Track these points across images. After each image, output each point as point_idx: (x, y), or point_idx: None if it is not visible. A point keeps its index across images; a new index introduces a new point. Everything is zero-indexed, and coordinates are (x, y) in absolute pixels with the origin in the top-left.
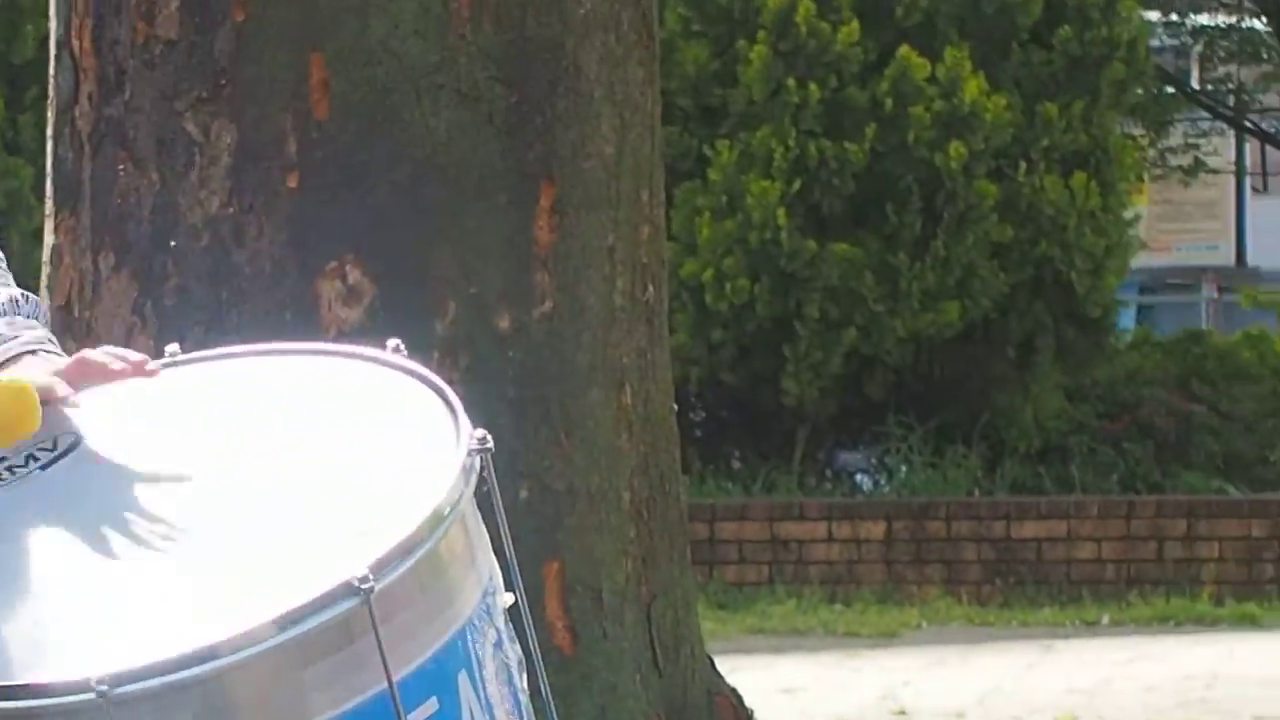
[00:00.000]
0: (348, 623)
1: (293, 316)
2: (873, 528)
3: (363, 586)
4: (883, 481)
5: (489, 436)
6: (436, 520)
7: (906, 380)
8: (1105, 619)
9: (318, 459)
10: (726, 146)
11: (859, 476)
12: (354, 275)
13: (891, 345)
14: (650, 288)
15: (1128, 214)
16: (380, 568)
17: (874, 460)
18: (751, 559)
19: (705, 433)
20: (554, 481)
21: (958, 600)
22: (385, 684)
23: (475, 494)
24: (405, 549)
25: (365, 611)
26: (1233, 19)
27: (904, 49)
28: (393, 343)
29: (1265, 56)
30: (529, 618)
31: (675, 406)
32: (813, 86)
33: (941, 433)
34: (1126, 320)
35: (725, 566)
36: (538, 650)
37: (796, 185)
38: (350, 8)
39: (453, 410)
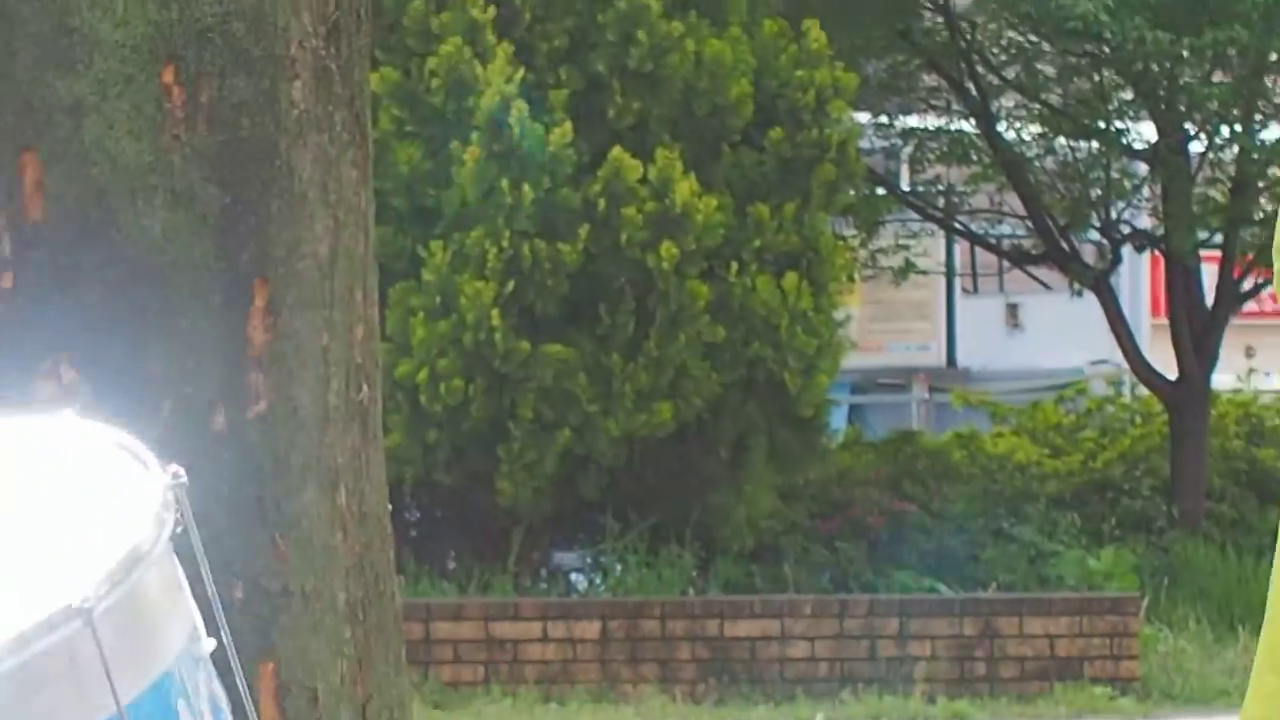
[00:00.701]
0: (70, 646)
1: None
2: (588, 627)
3: (85, 607)
4: (598, 581)
5: (183, 471)
6: (137, 555)
7: (620, 480)
8: (819, 717)
9: (6, 512)
10: (440, 247)
11: (574, 576)
12: (68, 375)
13: (605, 445)
14: (365, 388)
15: (839, 314)
16: (97, 591)
17: (589, 559)
18: (467, 659)
19: (420, 533)
20: (269, 582)
21: (672, 699)
22: (111, 711)
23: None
24: (117, 576)
25: (89, 634)
26: (942, 121)
27: (616, 150)
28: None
29: (974, 158)
30: (251, 709)
31: (390, 506)
32: (526, 187)
33: (656, 532)
34: (838, 420)
35: (441, 666)
36: None
37: (510, 286)
38: (64, 107)
39: (142, 460)
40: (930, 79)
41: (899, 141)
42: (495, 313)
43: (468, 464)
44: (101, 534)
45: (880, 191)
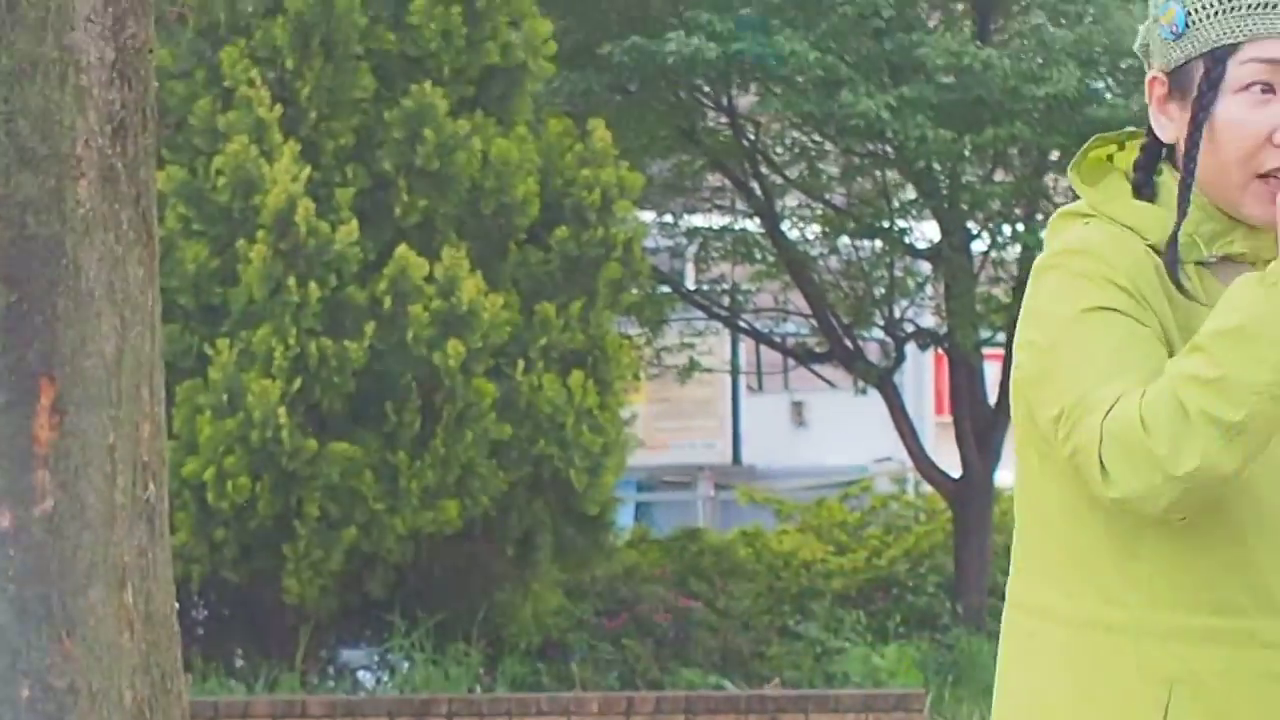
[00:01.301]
0: None
1: None
2: None
3: None
4: (385, 678)
5: None
6: None
7: (408, 577)
8: None
9: None
10: (227, 345)
11: (361, 673)
12: None
13: (392, 543)
14: (151, 486)
15: (625, 412)
16: None
17: (376, 657)
18: None
19: (208, 631)
20: (55, 680)
21: None
22: None
23: None
24: None
25: None
26: (727, 220)
27: (403, 248)
28: None
29: (759, 257)
30: None
31: (177, 605)
32: (313, 285)
33: (443, 629)
34: (625, 517)
35: None
36: None
37: (297, 384)
38: None
39: None
40: (715, 178)
41: (684, 240)
42: (282, 410)
43: (255, 562)
44: None
45: (665, 290)
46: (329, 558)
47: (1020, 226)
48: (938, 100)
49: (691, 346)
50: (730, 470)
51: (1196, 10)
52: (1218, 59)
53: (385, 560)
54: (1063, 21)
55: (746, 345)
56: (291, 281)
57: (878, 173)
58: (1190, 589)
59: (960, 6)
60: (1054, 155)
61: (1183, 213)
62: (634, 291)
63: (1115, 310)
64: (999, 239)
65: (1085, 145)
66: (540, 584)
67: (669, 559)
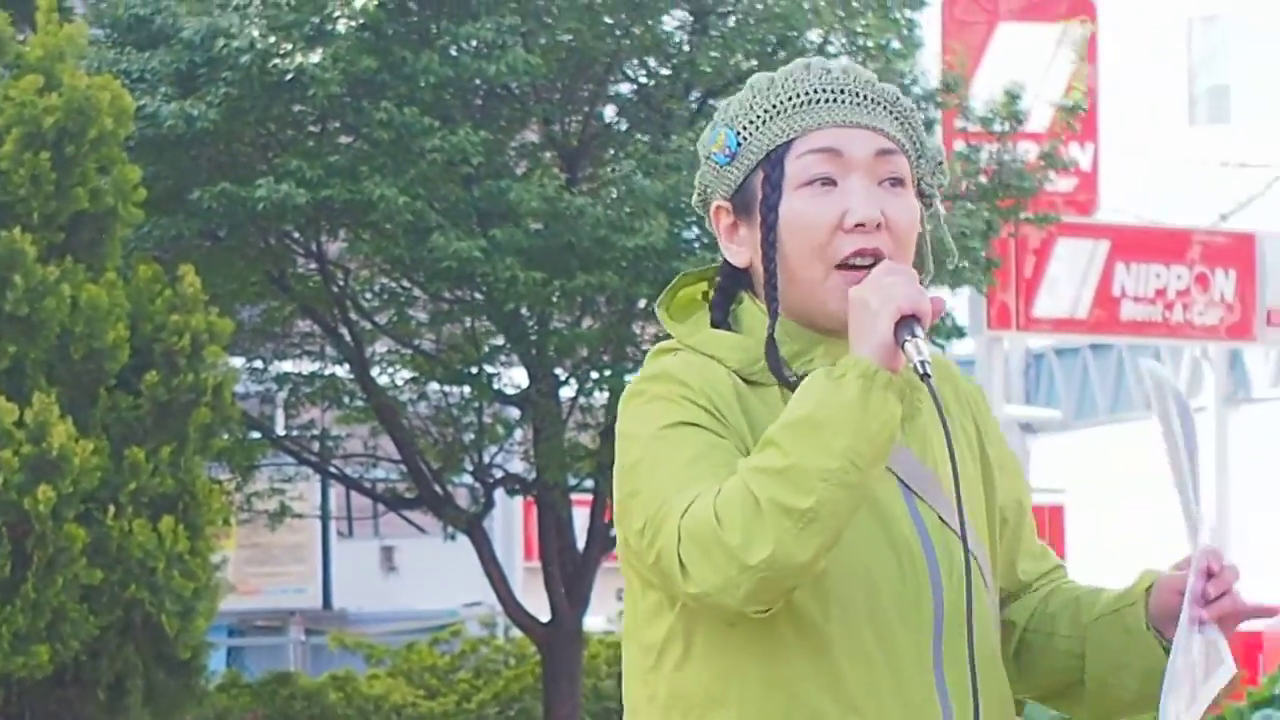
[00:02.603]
0: None
1: None
2: None
3: None
4: None
5: None
6: None
7: None
8: None
9: None
10: None
11: None
12: None
13: None
14: None
15: (216, 557)
16: None
17: None
18: None
19: None
20: None
21: None
22: None
23: None
24: None
25: None
26: (317, 366)
27: None
28: None
29: (347, 402)
30: None
31: None
32: None
33: None
34: (217, 662)
35: None
36: None
37: None
38: None
39: None
40: (304, 324)
41: (274, 386)
42: None
43: None
44: None
45: (256, 435)
46: None
47: (608, 372)
48: (528, 245)
49: (282, 492)
50: (321, 615)
51: (745, 126)
52: (774, 162)
53: None
54: (651, 171)
55: (337, 491)
56: None
57: (467, 319)
58: (782, 708)
59: (548, 155)
60: (641, 303)
61: (773, 313)
62: (224, 437)
63: (693, 425)
64: (586, 385)
65: (673, 284)
66: None
67: (260, 703)
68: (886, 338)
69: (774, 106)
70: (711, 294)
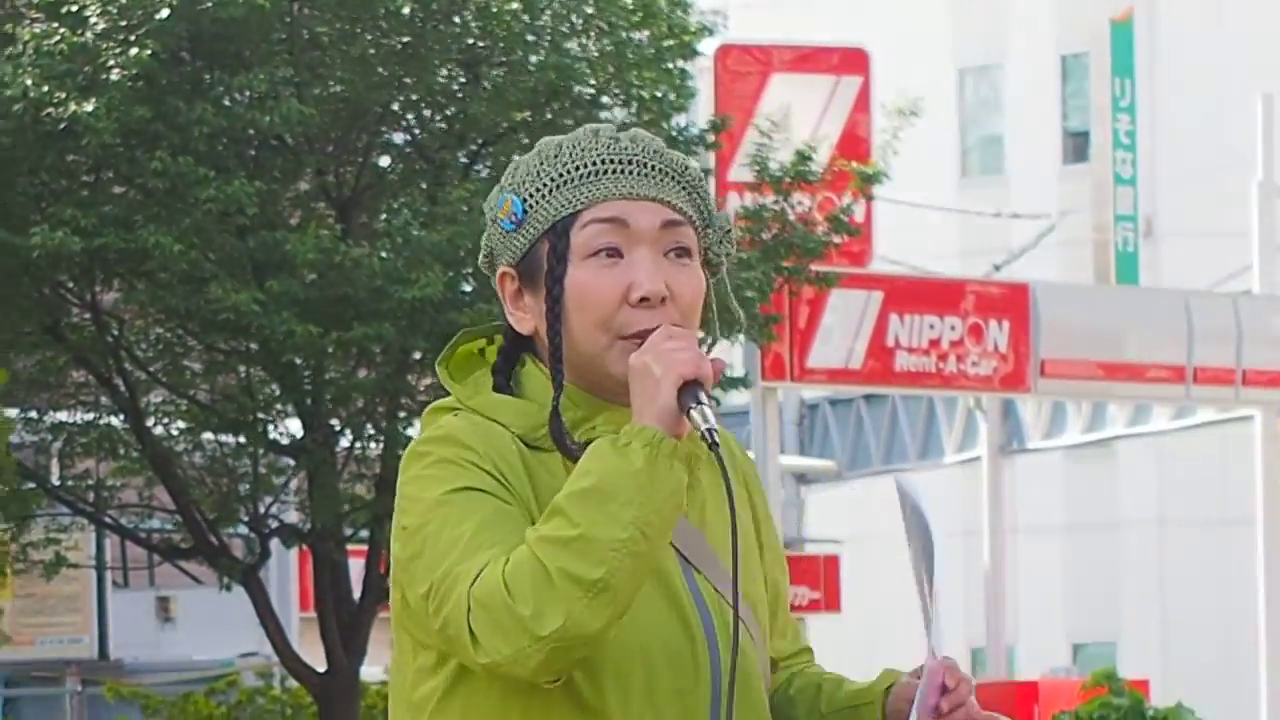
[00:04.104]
0: None
1: None
2: None
3: None
4: None
5: None
6: None
7: None
8: None
9: None
10: None
11: None
12: None
13: None
14: None
15: None
16: None
17: None
18: None
19: None
20: None
21: None
22: None
23: None
24: None
25: None
26: (91, 416)
27: None
28: None
29: (123, 452)
30: None
31: None
32: None
33: None
34: None
35: None
36: None
37: None
38: None
39: None
40: (79, 375)
41: (49, 436)
42: None
43: None
44: None
45: (31, 485)
46: None
47: (383, 424)
48: (304, 296)
49: (57, 542)
50: (97, 665)
51: (532, 194)
52: (559, 232)
53: None
54: (427, 223)
55: (112, 541)
56: None
57: (242, 368)
58: None
59: (322, 204)
60: (417, 355)
61: (558, 384)
62: (1, 487)
63: (479, 490)
64: (362, 436)
65: (454, 340)
66: None
67: None
68: (670, 404)
69: (561, 175)
70: (491, 351)
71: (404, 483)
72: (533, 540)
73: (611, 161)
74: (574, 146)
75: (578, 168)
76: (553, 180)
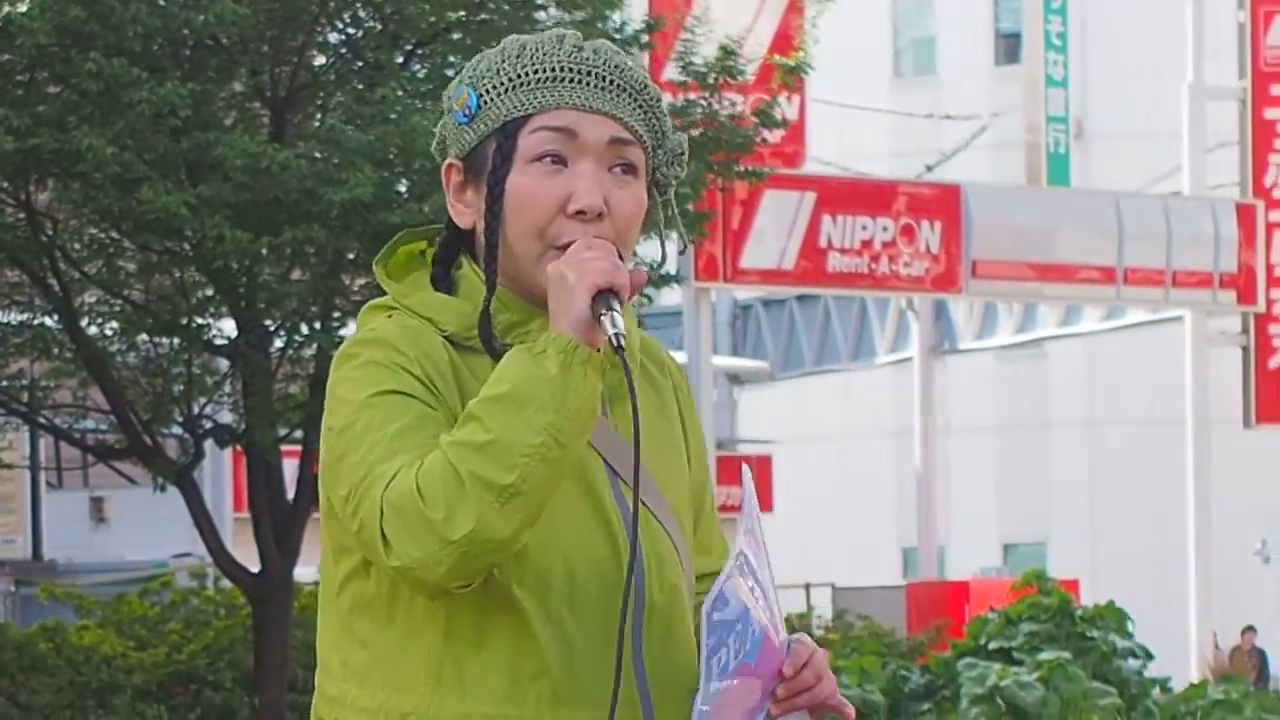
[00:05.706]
0: None
1: None
2: None
3: None
4: None
5: None
6: None
7: None
8: None
9: None
10: None
11: None
12: None
13: None
14: None
15: None
16: None
17: None
18: None
19: None
20: None
21: None
22: None
23: None
24: None
25: None
26: (25, 316)
27: None
28: None
29: (57, 353)
30: None
31: None
32: None
33: None
34: None
35: None
36: None
37: None
38: None
39: None
40: (13, 274)
41: None
42: None
43: None
44: None
45: None
46: None
47: (317, 325)
48: (236, 200)
49: None
50: (31, 566)
51: (488, 90)
52: (508, 133)
53: None
54: (358, 123)
55: (46, 441)
56: None
57: (176, 270)
58: (477, 676)
59: (257, 105)
60: (350, 255)
61: (491, 285)
62: None
63: (404, 394)
64: (296, 337)
65: (394, 240)
66: None
67: None
68: (584, 312)
69: (518, 77)
70: (432, 253)
71: (333, 384)
72: (446, 445)
73: (570, 70)
74: (536, 50)
75: (536, 71)
76: (510, 80)
